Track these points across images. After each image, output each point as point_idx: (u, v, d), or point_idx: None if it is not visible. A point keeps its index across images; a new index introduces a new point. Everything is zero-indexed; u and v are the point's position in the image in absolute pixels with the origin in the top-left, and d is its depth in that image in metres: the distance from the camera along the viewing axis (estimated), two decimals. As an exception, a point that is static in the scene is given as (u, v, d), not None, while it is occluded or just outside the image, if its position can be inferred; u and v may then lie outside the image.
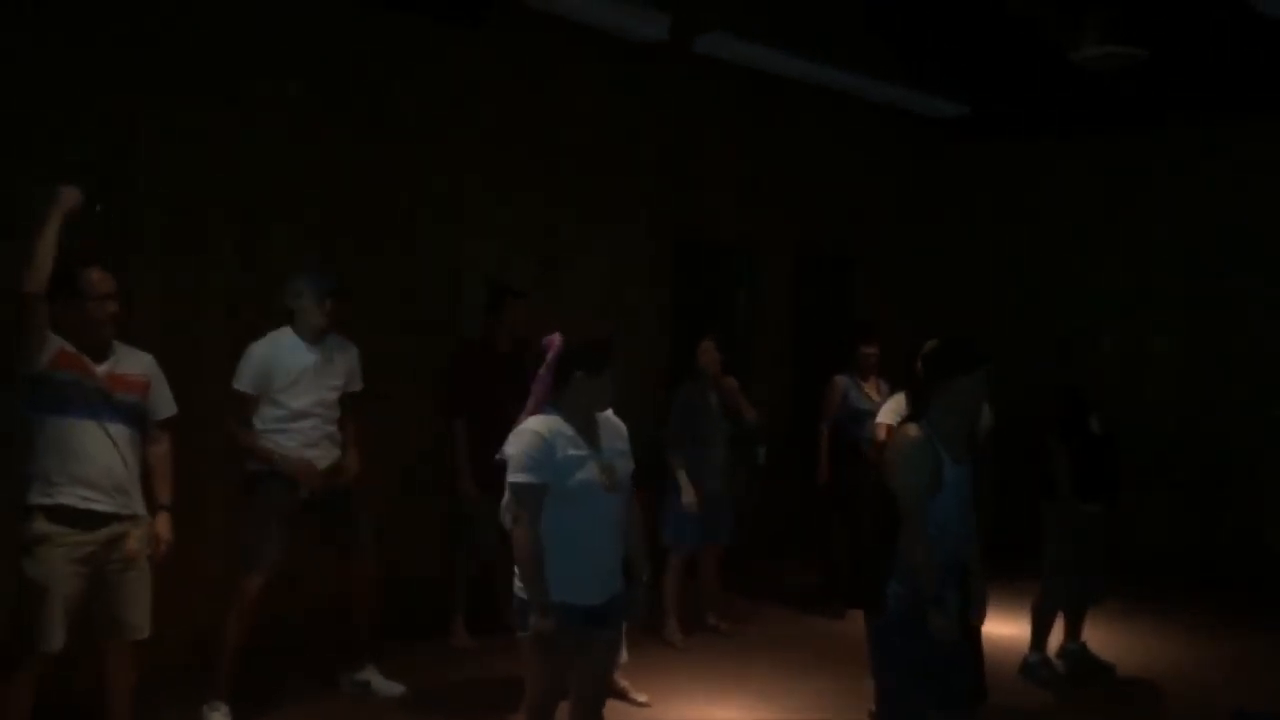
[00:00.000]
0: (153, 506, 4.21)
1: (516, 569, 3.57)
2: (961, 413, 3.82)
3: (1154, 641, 6.59)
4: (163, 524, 4.21)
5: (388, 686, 5.10)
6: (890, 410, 5.13)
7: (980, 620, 4.03)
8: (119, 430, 4.05)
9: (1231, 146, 8.11)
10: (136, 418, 4.14)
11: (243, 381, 4.71)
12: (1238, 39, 6.98)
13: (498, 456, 3.63)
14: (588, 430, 3.64)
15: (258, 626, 4.74)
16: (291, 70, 5.59)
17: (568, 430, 3.56)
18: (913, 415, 3.94)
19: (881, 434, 5.19)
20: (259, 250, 5.47)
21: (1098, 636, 6.20)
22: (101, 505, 3.98)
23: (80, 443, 3.95)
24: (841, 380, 6.83)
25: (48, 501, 3.91)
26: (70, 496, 3.92)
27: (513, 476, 3.50)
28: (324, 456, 4.82)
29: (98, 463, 3.97)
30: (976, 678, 4.16)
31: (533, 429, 3.53)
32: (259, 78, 5.48)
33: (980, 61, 8.22)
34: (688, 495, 6.00)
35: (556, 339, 3.67)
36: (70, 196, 3.86)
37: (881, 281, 9.03)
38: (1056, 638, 5.97)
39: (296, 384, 4.75)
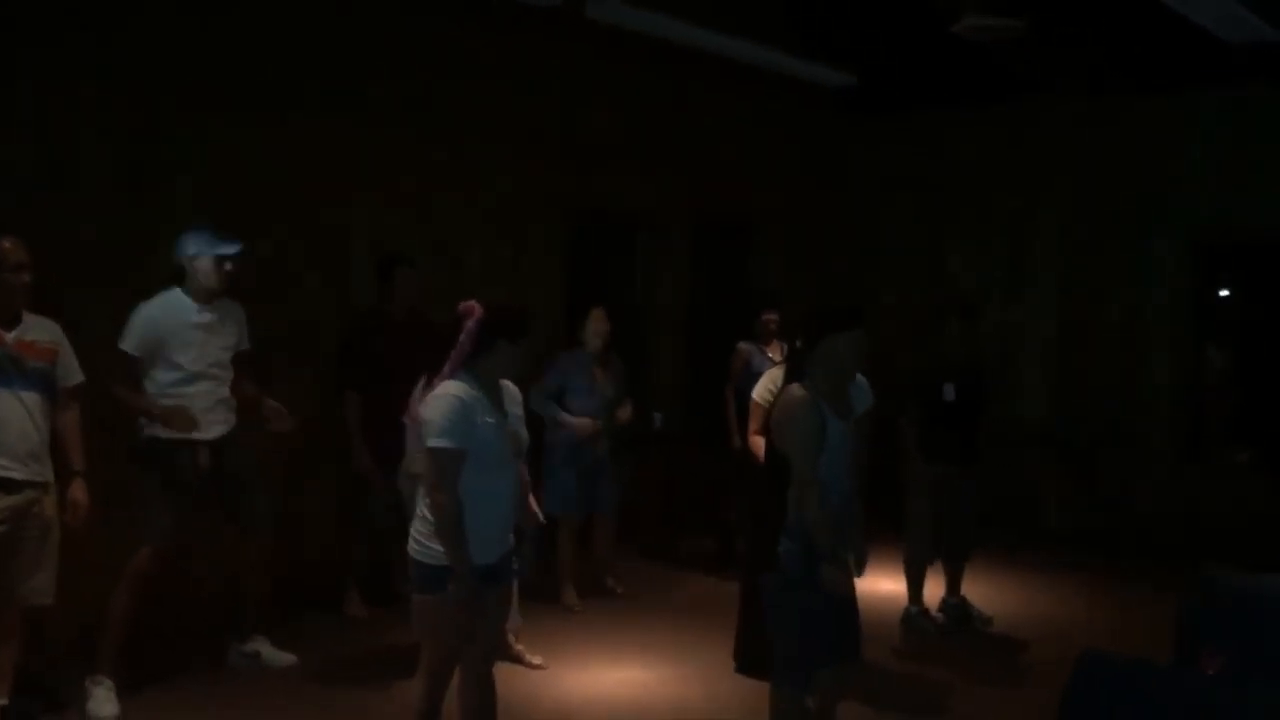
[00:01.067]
0: (66, 472, 4.25)
1: (417, 533, 3.59)
2: (839, 371, 3.97)
3: (1034, 597, 6.88)
4: (78, 489, 4.27)
5: (278, 657, 5.08)
6: (764, 386, 5.24)
7: (861, 573, 4.18)
8: (30, 397, 4.12)
9: (1113, 121, 8.37)
10: (46, 385, 4.20)
11: (129, 342, 4.60)
12: (1117, 16, 7.23)
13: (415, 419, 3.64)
14: (494, 396, 3.69)
15: (150, 601, 4.67)
16: (171, 44, 5.45)
17: (482, 396, 3.60)
18: (794, 376, 4.06)
19: (755, 419, 5.24)
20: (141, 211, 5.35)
21: (979, 592, 6.48)
22: (16, 473, 4.06)
23: None
24: (746, 347, 6.96)
25: None
26: None
27: (435, 441, 3.49)
28: (220, 421, 4.76)
29: (12, 429, 4.04)
30: (855, 635, 4.33)
31: (453, 394, 3.53)
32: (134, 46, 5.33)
33: (868, 32, 8.36)
34: (580, 424, 6.14)
35: (475, 306, 3.70)
36: None
37: (778, 249, 9.18)
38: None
39: (189, 345, 4.67)
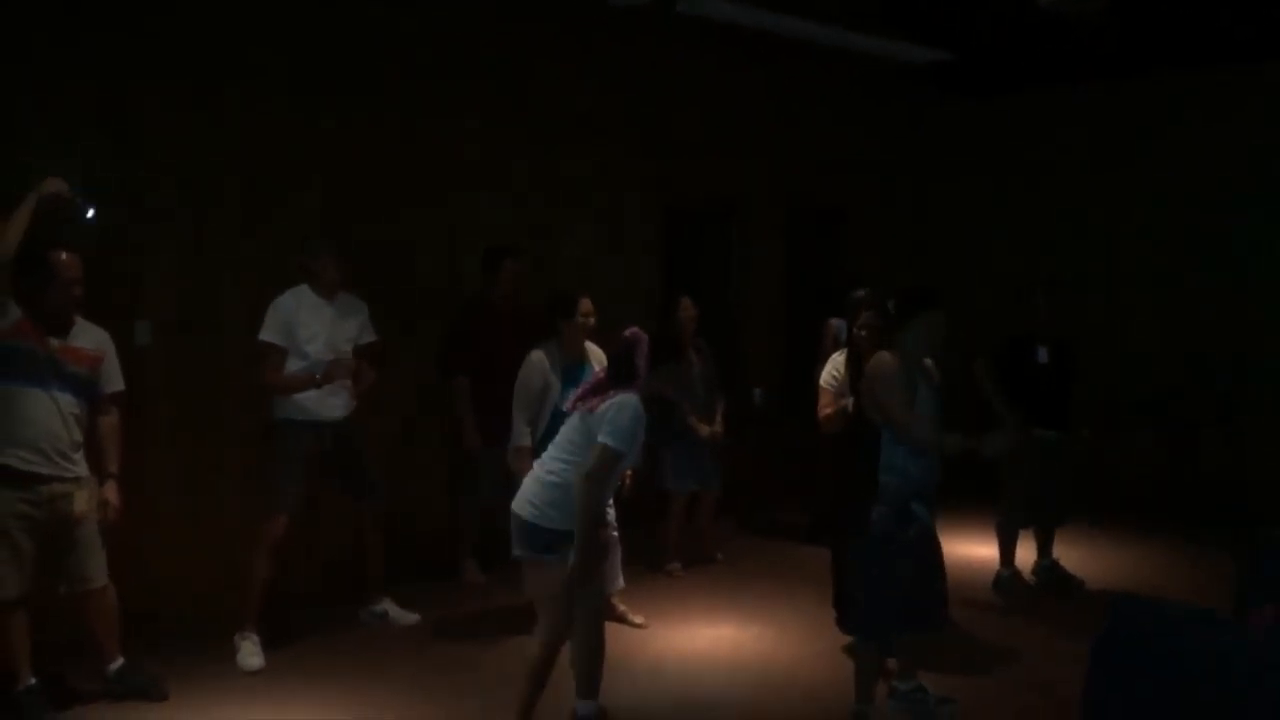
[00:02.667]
0: (101, 474, 4.51)
1: (538, 499, 3.97)
2: (923, 344, 4.32)
3: (1127, 561, 6.97)
4: (110, 491, 4.52)
5: (403, 615, 5.58)
6: (829, 373, 5.50)
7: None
8: (66, 399, 4.37)
9: (1211, 94, 8.30)
10: (85, 389, 4.46)
11: (269, 332, 5.11)
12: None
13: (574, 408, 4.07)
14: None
15: (286, 570, 5.19)
16: (286, 42, 5.91)
17: (644, 418, 4.01)
18: (886, 346, 4.41)
19: (823, 400, 5.50)
20: (269, 218, 5.85)
21: (1073, 555, 6.62)
22: (42, 468, 4.30)
23: (26, 408, 4.27)
24: (835, 323, 7.17)
25: None
26: (11, 457, 4.26)
27: (615, 442, 3.86)
28: (340, 405, 5.25)
29: (41, 427, 4.29)
30: (940, 602, 4.59)
31: (640, 410, 3.96)
32: (254, 51, 5.80)
33: (959, 10, 8.42)
34: (700, 429, 6.52)
35: (638, 332, 4.16)
36: (51, 184, 4.18)
37: (870, 232, 9.33)
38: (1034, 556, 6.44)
39: (316, 336, 5.16)
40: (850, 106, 9.10)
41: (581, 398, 4.06)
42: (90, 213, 4.46)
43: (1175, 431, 8.41)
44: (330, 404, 5.20)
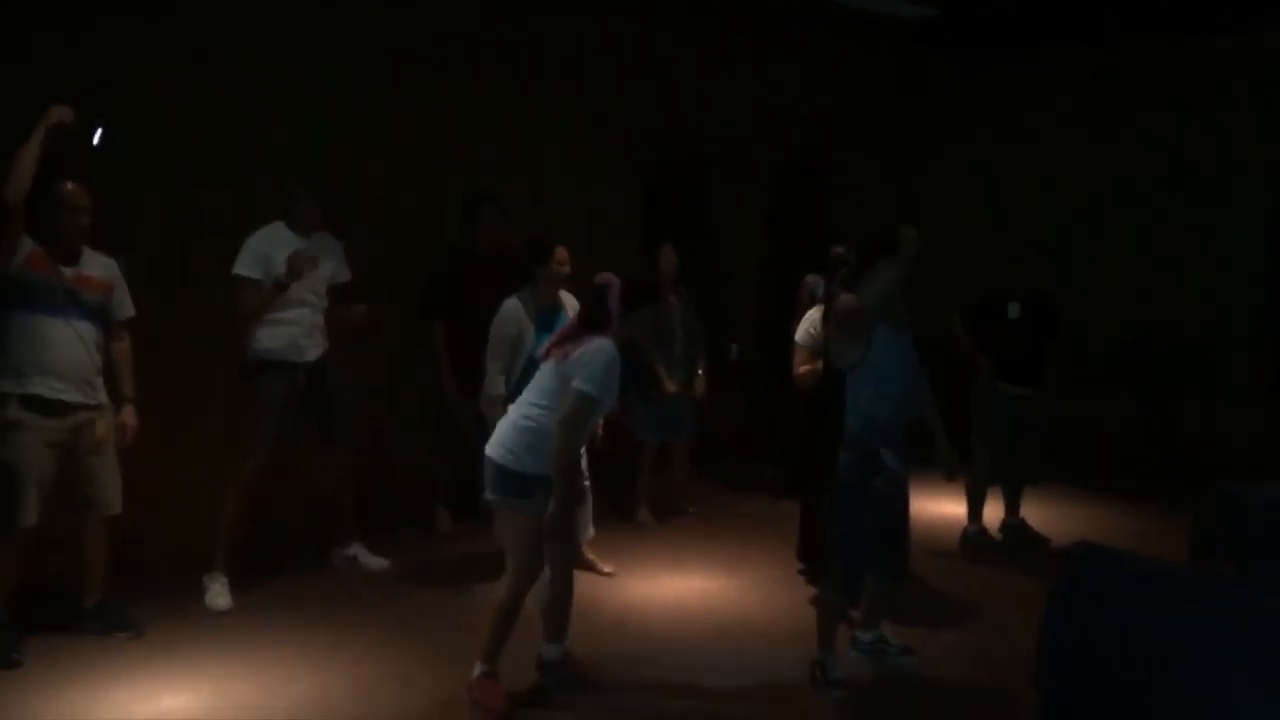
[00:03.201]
0: (118, 399, 4.63)
1: (512, 443, 3.97)
2: (885, 291, 4.28)
3: (1095, 520, 7.04)
4: (128, 414, 4.64)
5: (374, 561, 5.61)
6: (804, 329, 5.52)
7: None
8: (85, 327, 4.47)
9: (1198, 61, 8.29)
10: (100, 316, 4.56)
11: (244, 266, 5.08)
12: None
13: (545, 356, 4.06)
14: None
15: (257, 514, 5.20)
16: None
17: (619, 363, 4.00)
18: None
19: (798, 356, 5.56)
20: (252, 159, 5.82)
21: (1041, 514, 6.70)
22: (69, 395, 4.41)
23: (50, 337, 4.36)
24: (811, 279, 7.17)
25: (19, 391, 4.32)
26: (41, 386, 4.34)
27: (589, 387, 3.85)
28: (314, 346, 5.24)
29: (66, 356, 4.40)
30: (903, 552, 4.65)
31: (614, 355, 3.94)
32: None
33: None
34: (667, 384, 6.51)
35: (612, 278, 4.13)
36: (57, 113, 4.20)
37: (856, 189, 9.32)
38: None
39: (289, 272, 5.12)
40: (837, 62, 9.03)
41: (555, 344, 4.05)
42: (98, 137, 4.49)
43: (1151, 392, 8.50)
44: (303, 345, 5.20)
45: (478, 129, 6.85)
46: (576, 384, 3.87)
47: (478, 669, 4.06)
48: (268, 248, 5.11)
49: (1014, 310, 6.29)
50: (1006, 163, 9.34)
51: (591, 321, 4.05)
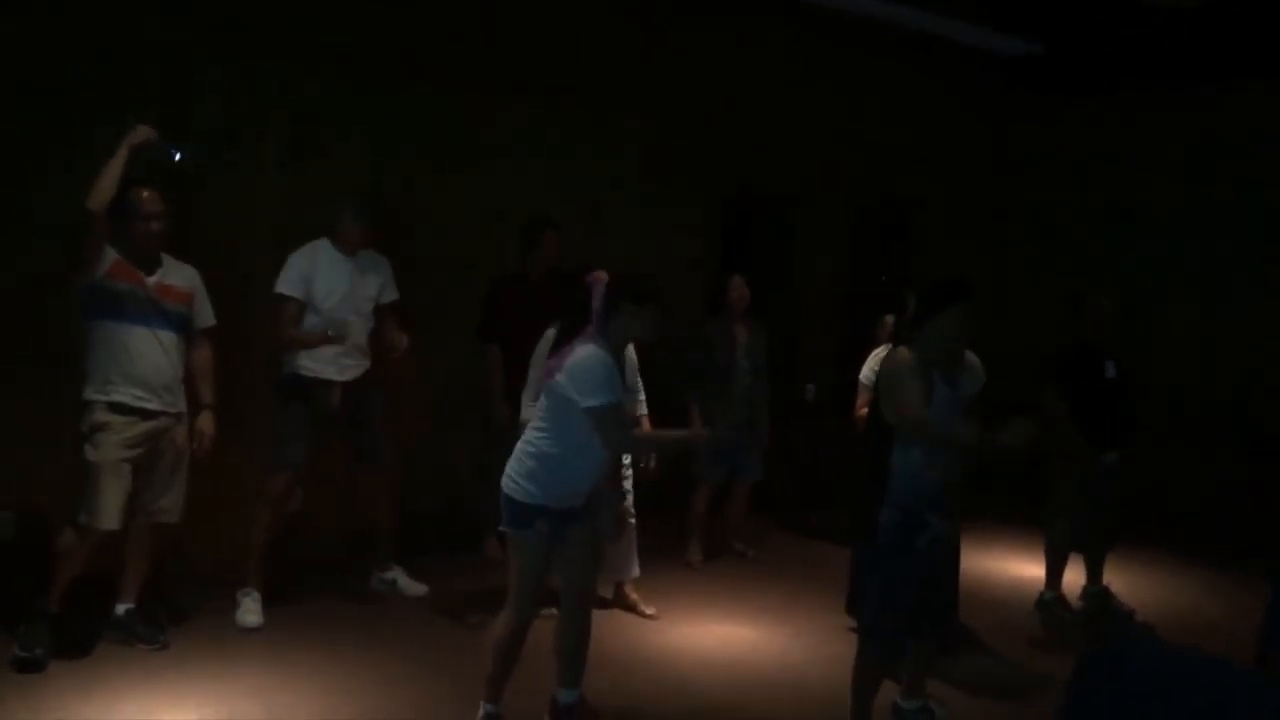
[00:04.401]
0: (196, 405, 4.71)
1: (512, 470, 3.81)
2: (944, 340, 4.02)
3: (1184, 592, 6.55)
4: (206, 421, 4.71)
5: (412, 586, 5.50)
6: (868, 369, 5.28)
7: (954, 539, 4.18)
8: (167, 336, 4.55)
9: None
10: (182, 325, 4.64)
11: (285, 285, 5.06)
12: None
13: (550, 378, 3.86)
14: (619, 363, 3.84)
15: (298, 535, 5.18)
16: (345, 7, 5.87)
17: (612, 364, 3.76)
18: (903, 342, 4.11)
19: (861, 397, 5.32)
20: (310, 179, 5.80)
21: (1125, 581, 6.24)
22: (151, 403, 4.49)
23: (134, 346, 4.45)
24: (890, 320, 6.90)
25: (104, 398, 4.41)
26: (125, 394, 4.43)
27: (599, 401, 3.61)
28: (355, 366, 5.18)
29: (149, 364, 4.48)
30: (954, 613, 4.34)
31: (601, 355, 3.70)
32: (313, 14, 5.77)
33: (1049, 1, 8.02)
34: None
35: (602, 274, 3.92)
36: (140, 133, 4.34)
37: (945, 229, 8.97)
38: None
39: (334, 291, 5.10)
40: (928, 97, 8.73)
41: (548, 368, 3.84)
42: (178, 155, 4.57)
43: (1260, 455, 7.90)
44: (343, 364, 5.14)
45: (540, 151, 6.72)
46: (583, 405, 3.64)
47: (481, 710, 3.90)
48: (309, 267, 5.08)
49: (1110, 369, 5.85)
50: (1106, 205, 8.85)
51: (572, 326, 3.81)
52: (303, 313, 5.08)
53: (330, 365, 5.10)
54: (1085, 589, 6.08)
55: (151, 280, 4.53)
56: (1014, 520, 6.76)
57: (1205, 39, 7.51)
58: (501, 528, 3.92)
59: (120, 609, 4.64)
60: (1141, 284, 8.33)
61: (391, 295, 5.37)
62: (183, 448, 4.63)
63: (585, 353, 3.70)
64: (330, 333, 5.02)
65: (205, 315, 4.77)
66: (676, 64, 7.28)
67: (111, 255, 4.44)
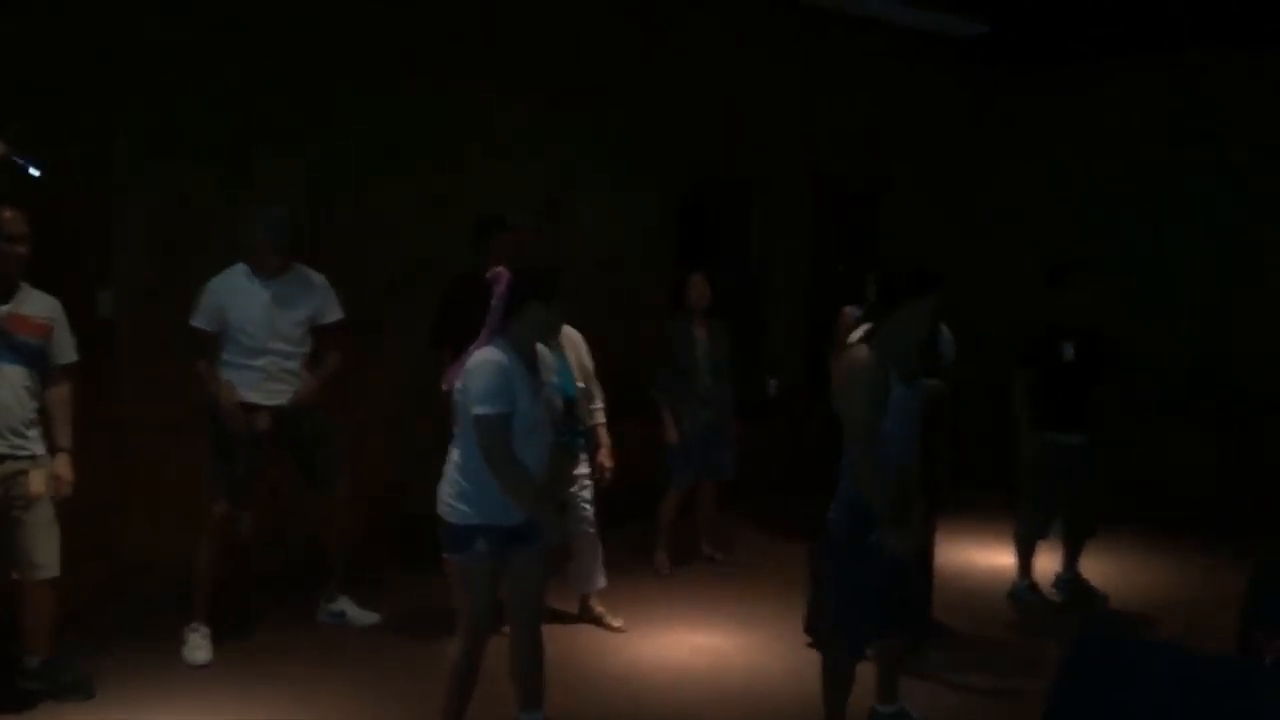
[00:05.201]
0: (54, 448, 4.24)
1: (443, 493, 3.65)
2: (908, 334, 3.88)
3: (1159, 574, 6.45)
4: (62, 465, 4.24)
5: (362, 615, 5.24)
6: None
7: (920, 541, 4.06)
8: (15, 372, 4.10)
9: (1272, 71, 7.73)
10: (36, 359, 4.18)
11: (198, 318, 4.80)
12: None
13: (451, 387, 3.70)
14: (531, 362, 3.70)
15: (241, 559, 4.95)
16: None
17: (517, 361, 3.62)
18: (866, 336, 3.95)
19: None
20: (251, 183, 5.55)
21: (1098, 567, 6.12)
22: None
23: None
24: (850, 311, 6.75)
25: None
26: None
27: (480, 408, 3.49)
28: (283, 392, 4.89)
29: None
30: (923, 610, 4.20)
31: (493, 360, 3.56)
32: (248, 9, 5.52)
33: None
34: (670, 432, 6.08)
35: (504, 271, 3.74)
36: None
37: (909, 214, 8.85)
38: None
39: (251, 319, 4.80)
40: (885, 79, 8.61)
41: (451, 376, 3.69)
42: (35, 170, 4.16)
43: (1228, 426, 7.85)
44: (269, 389, 4.86)
45: (494, 141, 6.51)
46: (471, 411, 3.50)
47: (440, 741, 3.72)
48: (224, 298, 4.80)
49: (1068, 351, 5.69)
50: (1066, 181, 8.78)
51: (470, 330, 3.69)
52: (214, 344, 4.82)
53: (255, 390, 4.84)
54: (1058, 576, 5.99)
55: (3, 309, 4.08)
56: (992, 508, 6.63)
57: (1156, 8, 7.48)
58: (443, 554, 3.72)
59: (32, 663, 4.27)
60: (1108, 251, 8.25)
61: (333, 315, 5.05)
62: (41, 494, 4.16)
63: (479, 356, 3.58)
64: (216, 397, 4.74)
65: (65, 350, 4.29)
66: (629, 50, 7.11)
67: None
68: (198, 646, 4.73)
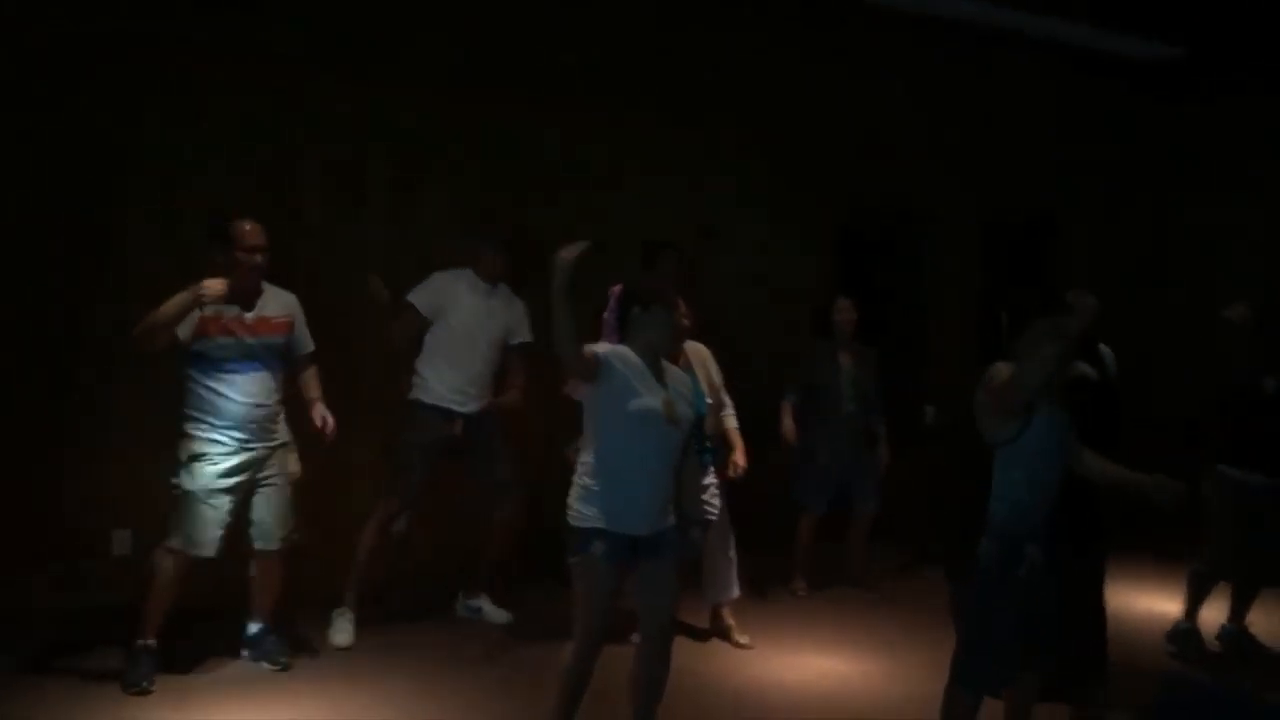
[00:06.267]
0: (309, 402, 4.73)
1: (570, 499, 3.78)
2: (1046, 365, 3.71)
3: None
4: (317, 411, 4.69)
5: (497, 613, 5.47)
6: None
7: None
8: (263, 376, 4.52)
9: None
10: (281, 357, 4.63)
11: (416, 295, 5.12)
12: None
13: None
14: (654, 367, 3.81)
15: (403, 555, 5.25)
16: (453, 32, 5.95)
17: (634, 359, 3.75)
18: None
19: None
20: (410, 209, 5.92)
21: (1270, 622, 5.72)
22: (250, 443, 4.49)
23: (227, 395, 4.42)
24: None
25: (202, 435, 4.42)
26: (222, 435, 4.43)
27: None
28: (476, 396, 5.19)
29: (244, 411, 4.45)
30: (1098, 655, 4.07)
31: (594, 349, 3.74)
32: (418, 40, 5.86)
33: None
34: (787, 426, 6.05)
35: (617, 287, 3.96)
36: (213, 286, 4.32)
37: (1086, 246, 8.52)
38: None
39: (467, 317, 5.13)
40: (1062, 107, 8.33)
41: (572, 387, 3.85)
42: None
43: None
44: (465, 397, 5.17)
45: (650, 184, 6.64)
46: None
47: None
48: (447, 285, 5.15)
49: (1270, 385, 5.36)
50: (1260, 218, 8.24)
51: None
52: (415, 323, 5.13)
53: (453, 393, 5.14)
54: (1223, 627, 5.62)
55: (249, 316, 4.50)
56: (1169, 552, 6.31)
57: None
58: (567, 558, 3.83)
59: (253, 628, 4.73)
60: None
61: (524, 336, 5.33)
62: (295, 474, 4.66)
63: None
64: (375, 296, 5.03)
65: (305, 342, 4.74)
66: (790, 83, 7.14)
67: (194, 317, 4.37)
68: (342, 630, 5.03)
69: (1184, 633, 5.55)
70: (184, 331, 4.34)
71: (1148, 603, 6.28)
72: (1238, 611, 5.60)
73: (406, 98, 5.82)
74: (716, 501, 5.16)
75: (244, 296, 4.50)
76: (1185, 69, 8.10)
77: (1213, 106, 8.47)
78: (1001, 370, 3.76)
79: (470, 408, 5.19)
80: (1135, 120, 8.68)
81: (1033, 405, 3.69)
